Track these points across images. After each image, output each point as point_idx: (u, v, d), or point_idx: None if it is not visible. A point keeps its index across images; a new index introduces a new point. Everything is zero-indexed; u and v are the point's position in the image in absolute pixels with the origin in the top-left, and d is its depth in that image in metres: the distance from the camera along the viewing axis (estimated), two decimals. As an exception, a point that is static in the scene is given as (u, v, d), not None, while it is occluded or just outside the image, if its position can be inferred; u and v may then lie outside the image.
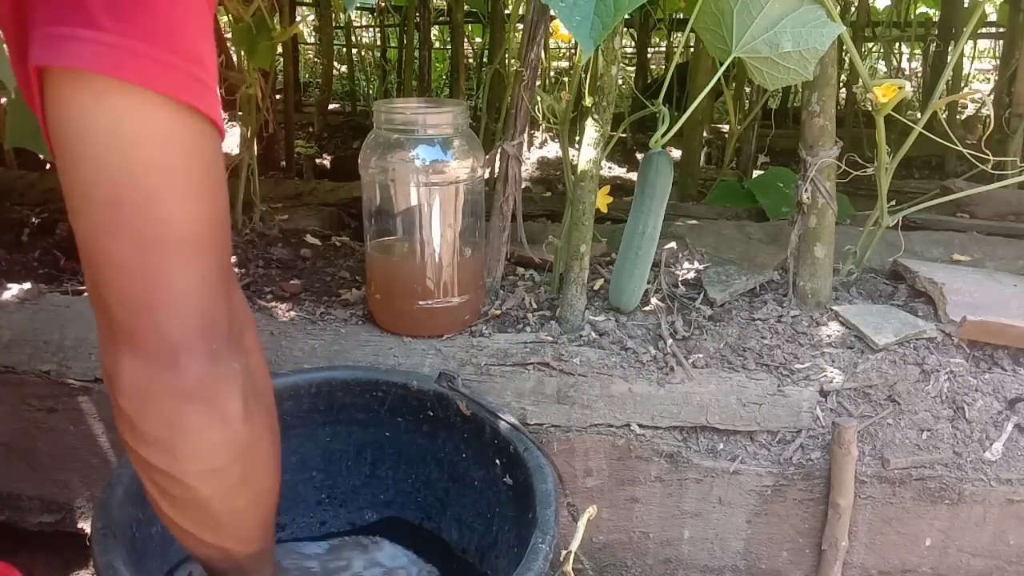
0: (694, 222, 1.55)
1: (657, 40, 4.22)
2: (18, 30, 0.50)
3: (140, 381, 0.53)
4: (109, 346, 0.53)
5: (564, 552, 0.73)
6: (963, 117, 3.31)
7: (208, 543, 0.62)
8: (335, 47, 3.93)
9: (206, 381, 0.54)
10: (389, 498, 0.99)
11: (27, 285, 1.22)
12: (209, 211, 0.52)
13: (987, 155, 1.12)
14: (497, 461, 0.88)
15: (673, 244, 1.32)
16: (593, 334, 1.08)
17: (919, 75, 3.29)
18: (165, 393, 0.53)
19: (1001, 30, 3.41)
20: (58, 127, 0.48)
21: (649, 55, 3.86)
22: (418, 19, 2.74)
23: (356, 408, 0.97)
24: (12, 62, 0.53)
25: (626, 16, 0.89)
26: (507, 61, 2.27)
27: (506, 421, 0.87)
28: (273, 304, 1.19)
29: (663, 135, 1.04)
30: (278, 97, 2.85)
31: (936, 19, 3.08)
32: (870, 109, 1.11)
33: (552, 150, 3.06)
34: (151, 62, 0.47)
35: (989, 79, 4.63)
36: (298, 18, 3.22)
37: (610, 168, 2.82)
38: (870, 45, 3.15)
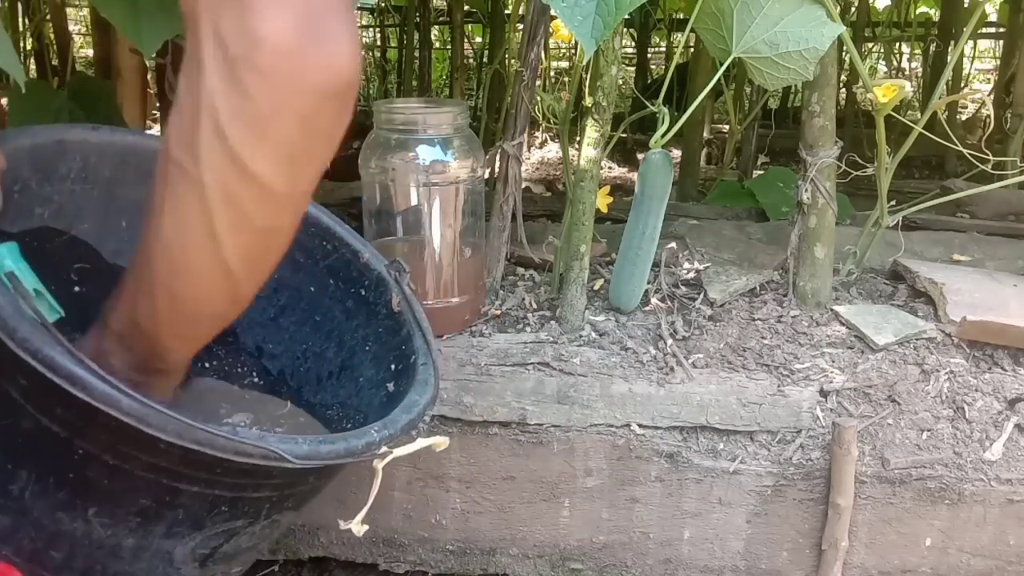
0: (694, 222, 1.54)
1: (657, 40, 4.21)
2: None
3: (286, 45, 0.44)
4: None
5: (385, 448, 0.66)
6: (963, 117, 3.31)
7: (240, 286, 0.56)
8: (335, 47, 3.91)
9: (350, 70, 0.47)
10: (277, 351, 0.90)
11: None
12: None
13: (987, 155, 1.12)
14: (392, 367, 0.83)
15: (673, 244, 1.31)
16: (593, 334, 1.08)
17: (919, 75, 3.29)
18: (312, 72, 0.45)
19: (1001, 30, 3.41)
20: None
21: (649, 55, 3.86)
22: (418, 19, 2.75)
23: (299, 247, 0.86)
24: None
25: (626, 16, 0.90)
26: (507, 61, 2.27)
27: (423, 334, 0.83)
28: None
29: (663, 135, 1.04)
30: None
31: (936, 19, 3.08)
32: (870, 109, 1.11)
33: (552, 150, 3.06)
34: None
35: (989, 79, 4.63)
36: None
37: (610, 168, 2.83)
38: (870, 45, 3.15)
